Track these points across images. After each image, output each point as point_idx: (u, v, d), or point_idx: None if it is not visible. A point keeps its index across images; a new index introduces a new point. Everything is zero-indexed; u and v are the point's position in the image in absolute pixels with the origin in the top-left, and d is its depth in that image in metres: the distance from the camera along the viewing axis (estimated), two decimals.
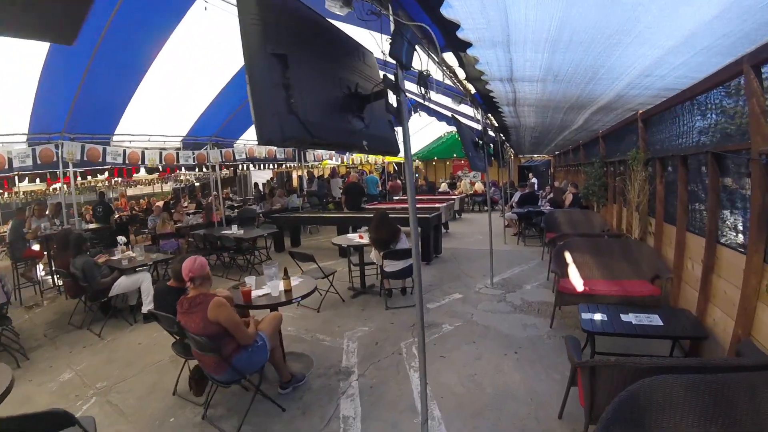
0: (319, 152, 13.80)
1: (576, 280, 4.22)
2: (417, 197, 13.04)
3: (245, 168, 18.51)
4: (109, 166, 8.07)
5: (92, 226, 9.14)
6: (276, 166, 18.05)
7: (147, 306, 4.97)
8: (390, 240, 4.95)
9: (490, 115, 6.63)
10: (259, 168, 18.62)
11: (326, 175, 20.00)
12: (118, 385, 3.59)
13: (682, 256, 3.86)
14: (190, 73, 6.33)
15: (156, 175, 18.02)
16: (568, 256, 4.61)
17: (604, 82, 3.47)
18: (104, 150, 7.21)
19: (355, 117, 1.91)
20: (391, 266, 4.96)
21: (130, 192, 23.52)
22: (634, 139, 5.45)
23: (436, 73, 3.59)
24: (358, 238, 5.60)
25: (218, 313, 2.79)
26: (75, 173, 7.23)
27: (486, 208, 14.90)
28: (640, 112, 4.84)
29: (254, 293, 3.52)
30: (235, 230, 7.58)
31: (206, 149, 8.89)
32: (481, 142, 5.53)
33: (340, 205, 12.81)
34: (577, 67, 3.05)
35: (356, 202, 10.59)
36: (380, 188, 14.26)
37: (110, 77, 5.59)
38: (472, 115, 5.98)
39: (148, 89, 6.25)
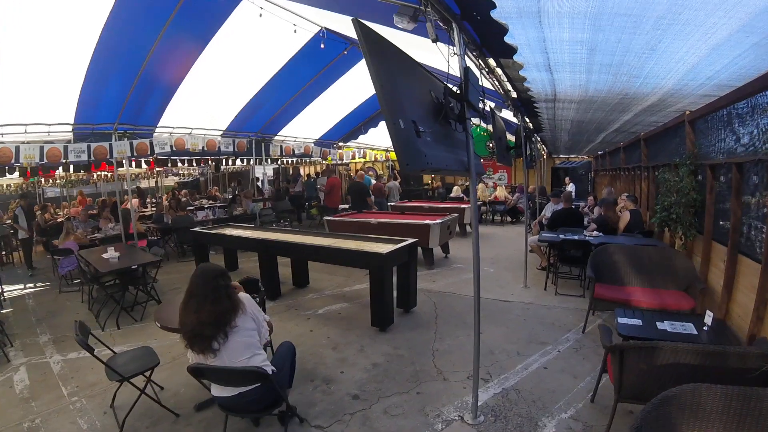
0: (304, 146, 11.14)
1: None
2: (410, 204, 10.25)
3: (232, 162, 16.18)
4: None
5: None
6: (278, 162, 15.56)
7: None
8: (206, 333, 2.11)
9: (500, 71, 3.65)
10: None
11: (321, 174, 17.22)
12: None
13: None
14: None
15: (142, 169, 15.90)
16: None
17: None
18: None
19: None
20: (219, 389, 2.21)
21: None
22: None
23: None
24: None
25: None
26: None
27: (509, 219, 11.52)
28: None
29: None
30: (111, 253, 5.13)
31: (113, 141, 6.38)
32: (452, 102, 2.50)
33: (325, 209, 10.57)
34: None
35: (362, 203, 9.21)
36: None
37: None
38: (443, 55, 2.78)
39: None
